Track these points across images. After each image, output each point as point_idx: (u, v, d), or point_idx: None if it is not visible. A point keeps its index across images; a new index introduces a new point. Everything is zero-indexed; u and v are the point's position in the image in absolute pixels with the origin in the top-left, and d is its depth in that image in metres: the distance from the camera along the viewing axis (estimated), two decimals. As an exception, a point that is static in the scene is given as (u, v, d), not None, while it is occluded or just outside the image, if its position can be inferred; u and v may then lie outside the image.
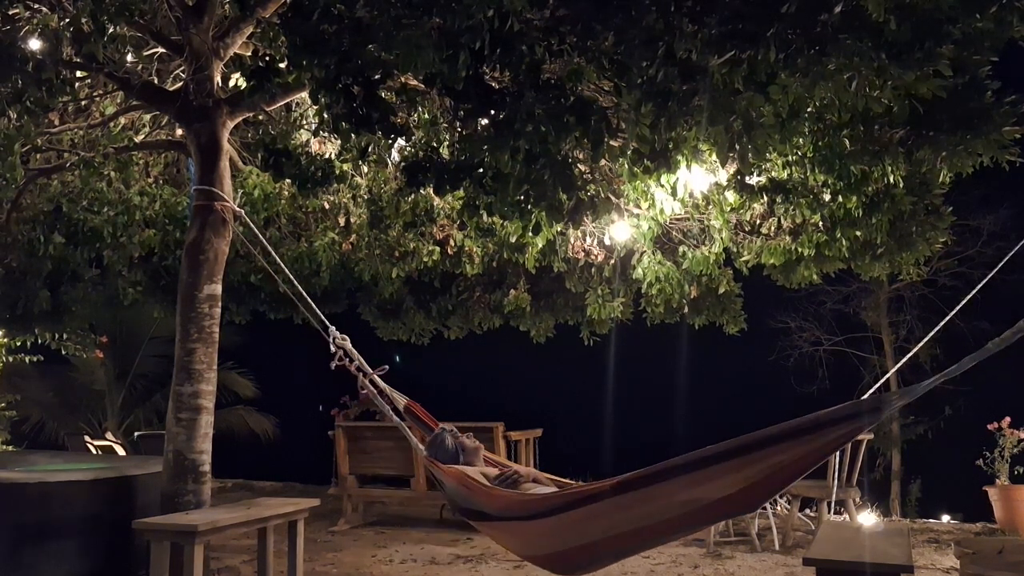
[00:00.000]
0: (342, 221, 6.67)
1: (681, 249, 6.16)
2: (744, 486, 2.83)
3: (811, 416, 2.74)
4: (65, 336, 8.35)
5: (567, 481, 3.88)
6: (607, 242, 6.37)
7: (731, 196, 5.28)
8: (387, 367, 4.44)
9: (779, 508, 7.29)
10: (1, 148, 4.82)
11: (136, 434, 10.04)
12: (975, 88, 4.03)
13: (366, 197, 6.50)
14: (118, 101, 5.88)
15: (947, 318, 2.97)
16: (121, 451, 9.49)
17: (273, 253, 5.18)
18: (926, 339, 3.11)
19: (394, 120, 4.13)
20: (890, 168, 4.51)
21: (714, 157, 4.63)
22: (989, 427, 7.09)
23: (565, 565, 3.49)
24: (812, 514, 6.92)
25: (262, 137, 6.24)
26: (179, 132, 5.88)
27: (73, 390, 13.04)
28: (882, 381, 3.67)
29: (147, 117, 6.19)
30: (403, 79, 4.39)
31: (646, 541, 3.41)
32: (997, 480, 6.92)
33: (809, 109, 4.09)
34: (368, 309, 8.04)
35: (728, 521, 6.68)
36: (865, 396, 2.79)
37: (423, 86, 4.16)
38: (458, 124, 4.24)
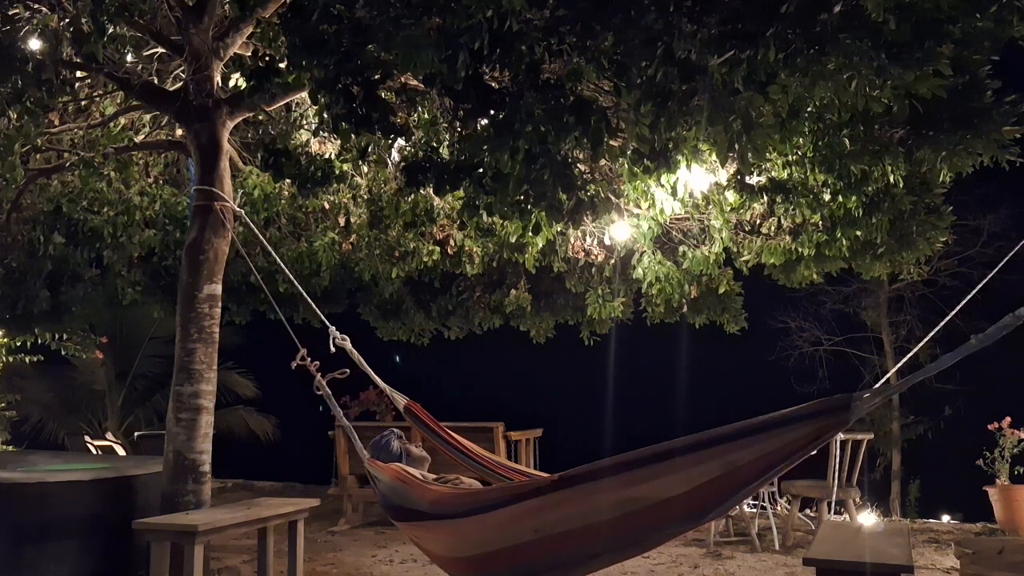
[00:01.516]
0: (342, 221, 6.67)
1: (681, 249, 6.17)
2: (694, 486, 2.67)
3: (773, 414, 2.62)
4: (65, 336, 8.36)
5: None
6: (607, 242, 6.37)
7: (731, 196, 5.28)
8: (347, 371, 4.47)
9: (779, 508, 7.29)
10: (1, 148, 4.82)
11: (136, 434, 10.04)
12: (975, 88, 4.02)
13: (366, 197, 6.50)
14: (118, 101, 5.88)
15: (947, 318, 2.96)
16: (121, 451, 9.50)
17: (274, 253, 5.18)
18: (926, 339, 3.10)
19: (394, 120, 4.13)
20: (890, 168, 4.51)
21: (714, 157, 4.63)
22: (989, 427, 7.09)
23: (491, 571, 3.26)
24: (812, 514, 6.92)
25: (262, 137, 6.24)
26: (179, 132, 5.88)
27: (73, 390, 13.04)
28: (882, 381, 3.67)
29: (147, 117, 6.19)
30: (403, 79, 4.39)
31: (584, 549, 3.03)
32: (997, 480, 6.92)
33: (809, 109, 4.09)
34: (368, 309, 8.05)
35: (728, 521, 6.68)
36: (833, 396, 2.64)
37: (423, 86, 4.16)
38: (458, 124, 4.24)
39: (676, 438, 2.74)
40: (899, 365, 3.90)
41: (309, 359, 4.36)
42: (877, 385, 2.63)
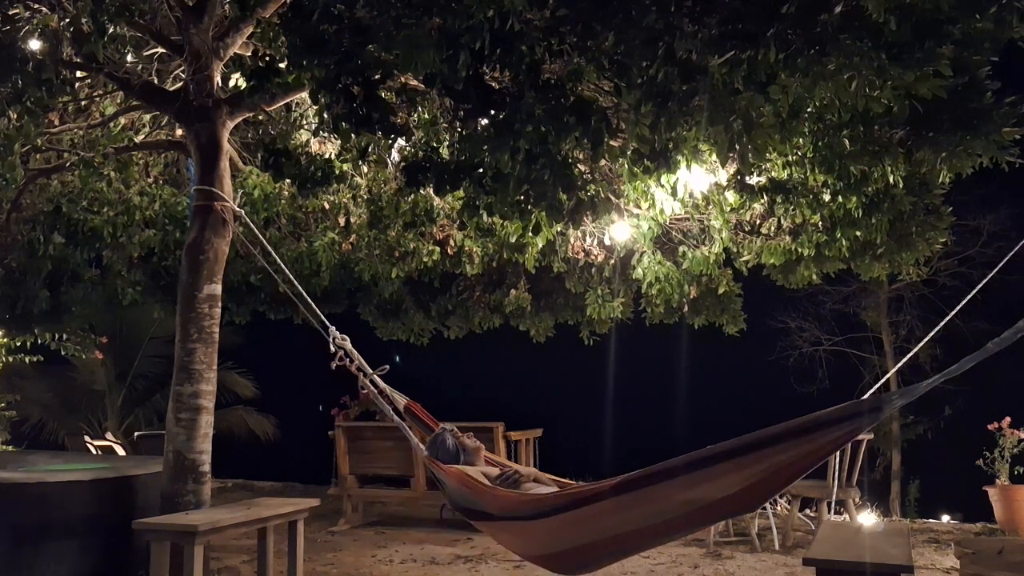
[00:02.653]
0: (342, 221, 6.67)
1: (681, 249, 6.16)
2: (744, 486, 2.83)
3: (811, 416, 2.74)
4: (65, 336, 8.35)
5: (567, 481, 3.88)
6: (607, 242, 6.37)
7: (731, 196, 5.28)
8: (387, 367, 4.45)
9: (779, 508, 7.29)
10: (1, 148, 4.82)
11: (136, 434, 10.05)
12: (975, 88, 4.02)
13: (366, 197, 6.50)
14: (118, 101, 5.88)
15: (947, 318, 2.96)
16: (121, 451, 9.50)
17: (273, 253, 5.18)
18: (926, 339, 3.10)
19: (394, 120, 4.13)
20: (890, 168, 4.51)
21: (714, 157, 4.63)
22: (989, 427, 7.09)
23: (566, 565, 3.49)
24: (812, 514, 6.92)
25: (262, 137, 6.24)
26: (179, 132, 5.88)
27: (73, 390, 13.03)
28: (882, 381, 3.67)
29: (147, 117, 6.19)
30: (403, 79, 4.39)
31: (646, 541, 3.42)
32: (997, 480, 6.92)
33: (809, 109, 4.09)
34: (368, 309, 8.05)
35: (728, 521, 6.68)
36: (865, 396, 2.79)
37: (423, 86, 4.16)
38: (458, 124, 4.23)
39: (721, 442, 2.89)
40: (899, 365, 3.91)
41: (347, 359, 4.34)
42: (903, 388, 2.71)
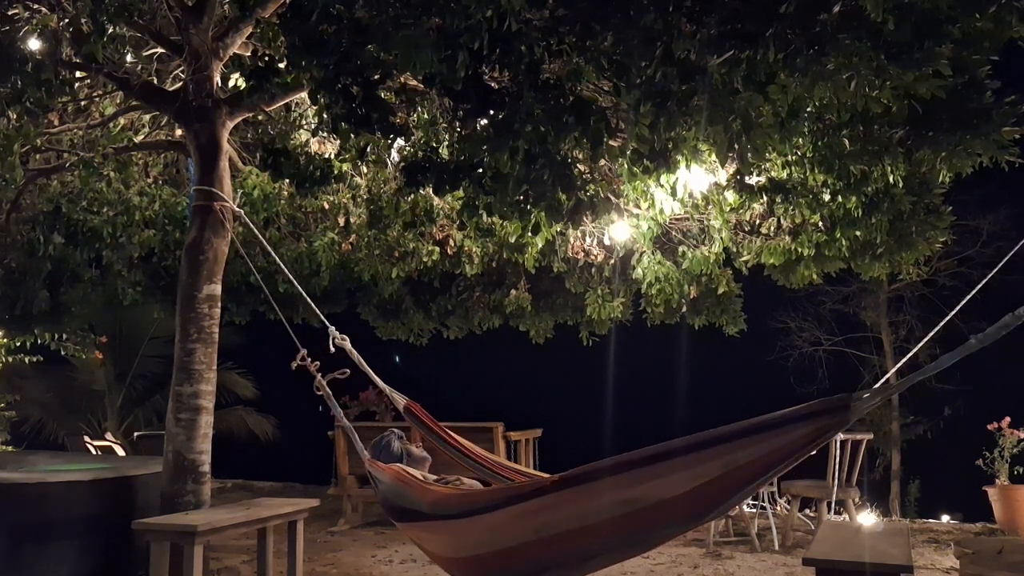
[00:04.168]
0: (341, 221, 6.67)
1: (681, 249, 6.16)
2: (694, 486, 2.66)
3: (773, 414, 2.62)
4: (65, 336, 8.35)
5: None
6: (607, 242, 6.37)
7: (731, 196, 5.28)
8: (347, 371, 4.47)
9: (779, 508, 7.29)
10: (1, 148, 4.81)
11: (136, 434, 10.04)
12: (975, 88, 4.02)
13: (365, 197, 6.50)
14: (118, 101, 5.88)
15: (947, 318, 2.96)
16: (121, 451, 9.49)
17: (273, 253, 5.18)
18: (926, 339, 3.09)
19: (393, 120, 4.13)
20: (890, 168, 4.51)
21: (714, 157, 4.63)
22: (989, 427, 7.09)
23: (492, 571, 3.27)
24: (812, 514, 6.92)
25: (261, 137, 6.24)
26: (179, 132, 5.88)
27: (73, 390, 13.03)
28: (882, 381, 3.67)
29: (147, 117, 6.19)
30: (402, 79, 4.39)
31: (584, 549, 3.04)
32: (997, 480, 6.93)
33: (808, 109, 4.09)
34: (368, 309, 8.04)
35: (728, 521, 6.68)
36: (833, 396, 2.64)
37: (422, 86, 4.16)
38: (457, 124, 4.24)
39: (675, 438, 2.75)
40: (899, 365, 3.90)
41: (309, 359, 4.36)
42: (877, 385, 2.63)
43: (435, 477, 3.88)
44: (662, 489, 2.73)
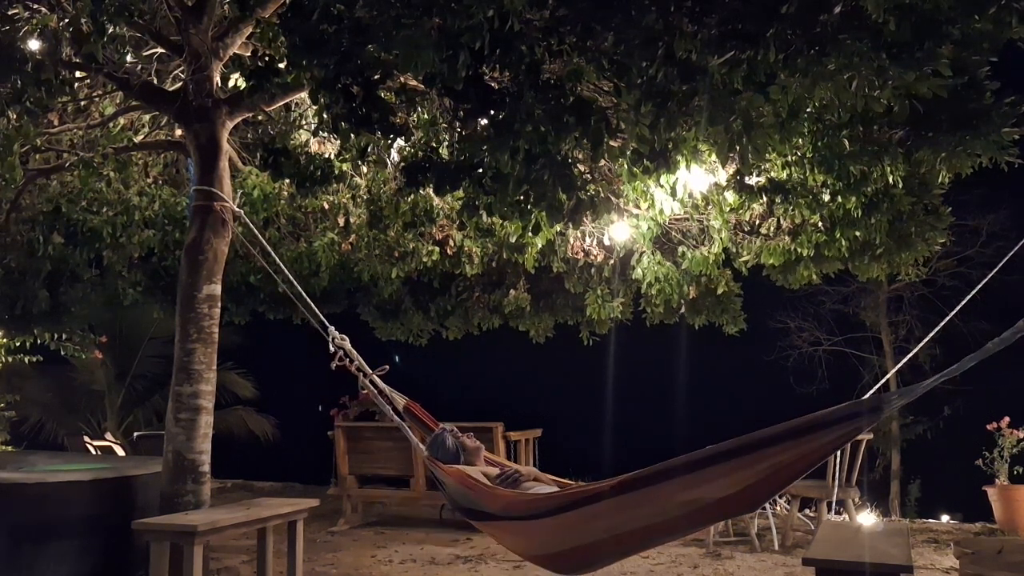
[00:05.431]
0: (341, 221, 6.67)
1: (680, 249, 6.16)
2: (744, 486, 2.83)
3: (810, 416, 2.74)
4: (64, 336, 8.34)
5: (567, 481, 3.88)
6: (607, 242, 6.37)
7: (730, 196, 5.28)
8: (387, 367, 4.45)
9: (779, 508, 7.29)
10: (1, 148, 4.81)
11: (135, 434, 10.04)
12: (974, 89, 4.02)
13: (365, 197, 6.50)
14: (117, 101, 5.88)
15: (947, 318, 2.96)
16: (120, 451, 9.49)
17: (272, 253, 5.18)
18: (926, 339, 3.10)
19: (393, 120, 4.13)
20: (889, 168, 4.51)
21: (714, 157, 4.63)
22: (989, 427, 7.09)
23: (566, 564, 3.49)
24: (812, 514, 6.92)
25: (261, 137, 6.24)
26: (178, 132, 5.87)
27: (72, 390, 13.03)
28: (882, 381, 3.67)
29: (146, 117, 6.18)
30: (403, 79, 4.39)
31: (647, 541, 3.42)
32: (997, 480, 6.92)
33: (809, 109, 4.09)
34: (367, 309, 8.04)
35: (727, 521, 6.68)
36: (866, 396, 2.79)
37: (423, 86, 4.16)
38: (458, 124, 4.23)
39: (724, 440, 2.89)
40: (899, 365, 3.90)
41: (347, 359, 4.33)
42: (903, 388, 2.72)
43: (497, 472, 3.92)
44: (714, 491, 2.91)
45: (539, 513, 3.43)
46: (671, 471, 2.99)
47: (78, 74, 5.28)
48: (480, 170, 4.19)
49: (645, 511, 3.08)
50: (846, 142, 4.41)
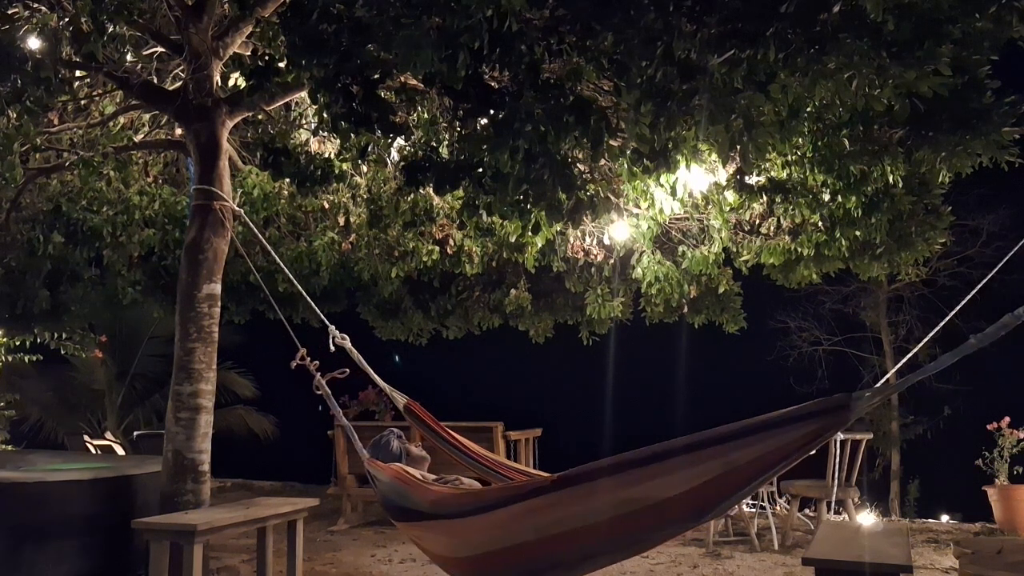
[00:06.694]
0: (341, 221, 6.67)
1: (681, 249, 6.17)
2: (693, 486, 2.66)
3: (774, 413, 2.62)
4: (64, 336, 8.35)
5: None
6: (607, 242, 6.37)
7: (730, 196, 5.28)
8: (347, 370, 4.48)
9: (779, 508, 7.29)
10: (1, 147, 4.81)
11: (135, 433, 10.04)
12: (974, 88, 4.02)
13: (365, 197, 6.50)
14: (117, 101, 5.88)
15: (947, 318, 2.95)
16: (120, 450, 9.49)
17: (273, 252, 5.18)
18: (926, 339, 3.09)
19: (393, 119, 4.13)
20: (889, 168, 4.51)
21: (714, 157, 4.63)
22: (989, 427, 7.10)
23: (491, 571, 3.27)
24: (811, 514, 6.92)
25: (261, 136, 6.24)
26: (178, 132, 5.88)
27: (73, 390, 13.02)
28: (882, 382, 3.66)
29: (146, 117, 6.18)
30: (402, 79, 4.39)
31: (583, 549, 3.02)
32: (996, 480, 6.93)
33: (809, 108, 4.09)
34: (367, 309, 8.05)
35: (727, 520, 6.68)
36: (833, 396, 2.63)
37: (422, 86, 4.16)
38: (457, 124, 4.24)
39: (675, 438, 2.74)
40: (899, 365, 3.89)
41: (308, 359, 4.36)
42: (877, 385, 2.63)
43: (434, 477, 3.88)
44: (661, 489, 2.72)
45: (469, 509, 3.23)
46: (619, 465, 2.80)
47: (78, 73, 5.28)
48: (480, 169, 4.19)
49: (582, 508, 2.87)
50: (846, 142, 4.41)
